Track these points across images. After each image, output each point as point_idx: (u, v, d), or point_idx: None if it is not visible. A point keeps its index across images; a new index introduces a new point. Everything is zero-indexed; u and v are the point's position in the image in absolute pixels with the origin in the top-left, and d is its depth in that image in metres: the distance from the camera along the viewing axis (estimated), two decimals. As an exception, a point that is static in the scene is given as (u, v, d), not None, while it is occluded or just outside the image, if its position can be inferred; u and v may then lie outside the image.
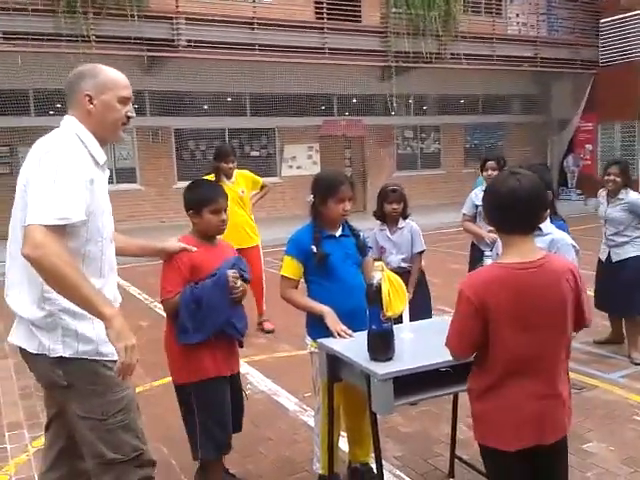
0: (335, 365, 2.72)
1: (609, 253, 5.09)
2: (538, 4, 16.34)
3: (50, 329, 2.04)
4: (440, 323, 3.17)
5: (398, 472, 3.41)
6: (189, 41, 11.65)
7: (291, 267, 3.05)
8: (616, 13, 15.82)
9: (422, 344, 2.73)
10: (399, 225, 4.36)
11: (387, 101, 14.70)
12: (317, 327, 2.97)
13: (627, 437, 3.73)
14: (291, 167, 15.25)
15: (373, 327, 2.49)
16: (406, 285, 4.26)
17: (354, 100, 15.71)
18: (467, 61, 14.43)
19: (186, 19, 11.60)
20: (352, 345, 2.65)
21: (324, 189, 3.02)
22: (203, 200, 2.88)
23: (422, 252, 4.41)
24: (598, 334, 5.40)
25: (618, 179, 4.92)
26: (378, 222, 4.44)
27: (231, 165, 5.84)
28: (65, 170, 1.99)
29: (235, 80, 12.94)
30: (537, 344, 2.05)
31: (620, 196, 4.96)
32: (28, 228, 1.90)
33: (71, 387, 2.06)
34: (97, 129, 2.20)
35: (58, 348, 2.03)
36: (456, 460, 3.38)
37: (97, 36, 10.88)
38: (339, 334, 2.80)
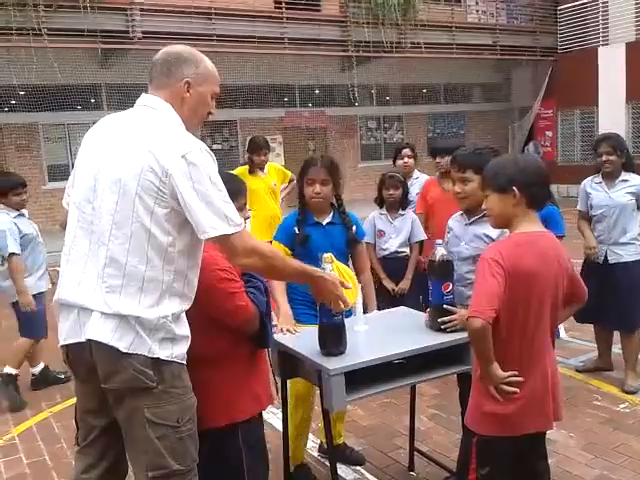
0: (287, 361, 2.63)
1: (606, 253, 4.20)
2: (497, -9, 16.44)
3: (156, 330, 1.93)
4: (395, 314, 3.13)
5: (358, 467, 3.36)
6: (144, 32, 11.39)
7: None
8: (573, 0, 15.97)
9: (376, 337, 2.67)
10: (400, 212, 4.45)
11: (349, 92, 14.63)
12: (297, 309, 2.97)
13: (587, 423, 3.74)
14: (254, 159, 15.07)
15: (324, 320, 2.41)
16: (405, 270, 4.42)
17: (316, 91, 15.61)
18: (427, 50, 14.44)
19: (141, 10, 11.34)
20: (304, 340, 2.57)
21: (300, 170, 3.08)
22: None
23: (422, 242, 4.43)
24: (571, 351, 4.81)
25: (612, 157, 4.08)
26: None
27: (263, 158, 5.86)
28: (215, 170, 1.97)
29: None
30: (545, 315, 2.17)
31: (623, 177, 4.14)
32: (224, 239, 1.94)
33: (154, 390, 1.93)
34: (186, 119, 2.10)
35: (156, 348, 1.93)
36: (416, 453, 3.33)
37: (49, 29, 10.55)
38: (282, 330, 2.75)
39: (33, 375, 4.85)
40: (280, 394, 2.82)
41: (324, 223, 3.07)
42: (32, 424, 4.16)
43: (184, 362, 2.03)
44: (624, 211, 4.12)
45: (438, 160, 4.50)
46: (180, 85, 2.10)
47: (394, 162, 5.28)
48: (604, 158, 4.10)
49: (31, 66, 10.43)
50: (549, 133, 17.07)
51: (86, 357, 1.97)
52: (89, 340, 1.93)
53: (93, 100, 13.10)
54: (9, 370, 4.53)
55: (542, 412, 2.21)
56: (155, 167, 1.91)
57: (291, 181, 6.21)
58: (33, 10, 10.34)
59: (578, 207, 4.38)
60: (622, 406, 3.95)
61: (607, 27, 15.38)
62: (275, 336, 2.69)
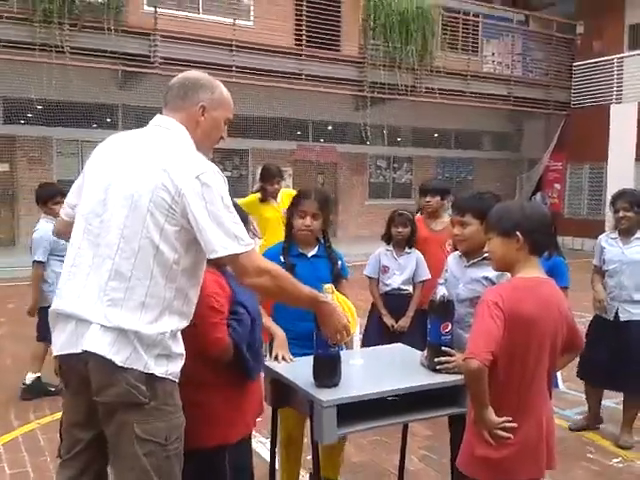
0: (279, 390, 2.62)
1: (617, 310, 4.10)
2: (514, 45, 16.68)
3: (154, 345, 1.94)
4: (392, 350, 3.11)
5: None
6: (165, 58, 11.58)
7: None
8: (589, 57, 16.22)
9: (371, 371, 2.66)
10: (406, 250, 4.46)
11: (361, 130, 14.79)
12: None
13: (579, 475, 3.69)
14: (263, 189, 15.15)
15: (319, 351, 2.41)
16: (406, 307, 4.42)
17: (329, 127, 15.78)
18: (441, 96, 14.62)
19: (163, 36, 11.55)
20: (297, 370, 2.56)
21: (293, 200, 3.06)
22: None
23: (424, 281, 4.42)
24: (568, 403, 4.76)
25: (630, 213, 4.03)
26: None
27: (277, 186, 5.77)
28: (226, 192, 2.01)
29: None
30: (544, 361, 2.18)
31: (638, 235, 4.10)
32: (234, 259, 1.97)
33: (145, 405, 1.92)
34: (199, 142, 2.15)
35: (152, 364, 1.93)
36: (404, 493, 3.28)
37: (72, 47, 10.74)
38: (277, 358, 2.73)
39: (24, 384, 4.83)
40: (270, 424, 2.80)
41: (309, 255, 3.06)
42: (18, 434, 4.13)
43: (177, 380, 2.02)
44: (637, 268, 4.05)
45: (428, 199, 4.62)
46: (195, 109, 2.15)
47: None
48: (621, 214, 4.06)
49: (50, 82, 10.58)
50: (557, 186, 17.16)
51: (80, 369, 1.96)
52: (85, 352, 1.92)
53: (109, 120, 13.26)
54: (30, 376, 4.83)
55: (535, 460, 2.19)
56: (169, 185, 1.94)
57: None
58: (58, 28, 10.55)
59: (594, 262, 4.34)
60: (615, 460, 3.90)
61: (621, 85, 15.58)
62: (268, 363, 2.68)
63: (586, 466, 3.81)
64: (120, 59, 11.30)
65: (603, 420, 4.37)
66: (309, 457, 2.83)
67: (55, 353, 2.05)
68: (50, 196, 4.81)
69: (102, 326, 1.91)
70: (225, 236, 1.95)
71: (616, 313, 4.10)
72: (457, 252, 3.03)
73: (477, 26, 15.65)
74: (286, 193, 5.94)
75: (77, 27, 10.80)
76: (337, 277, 3.06)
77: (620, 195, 4.16)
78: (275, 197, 5.85)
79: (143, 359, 1.92)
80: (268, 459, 3.02)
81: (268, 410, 2.79)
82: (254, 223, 5.04)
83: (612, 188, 4.35)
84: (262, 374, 2.61)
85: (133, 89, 12.57)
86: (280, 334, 2.87)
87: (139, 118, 12.84)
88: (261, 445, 3.90)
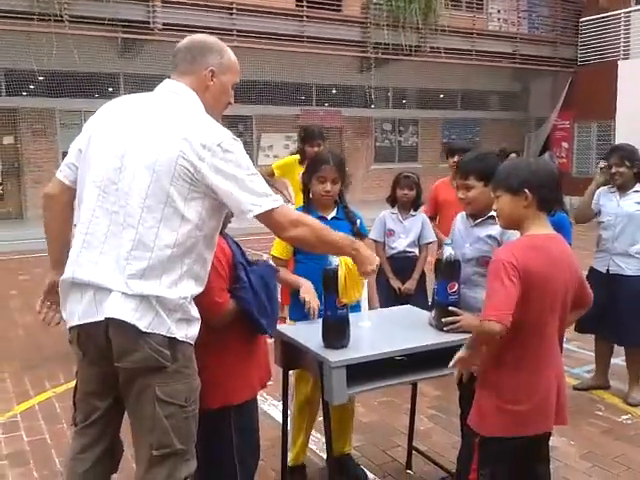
0: (290, 352, 2.64)
1: (609, 263, 4.11)
2: (519, 1, 16.36)
3: (175, 310, 1.97)
4: (399, 312, 3.13)
5: (356, 462, 3.36)
6: (165, 24, 11.44)
7: (280, 247, 3.02)
8: (595, 13, 15.90)
9: (379, 333, 2.67)
10: (411, 212, 4.45)
11: (366, 93, 14.63)
12: (297, 307, 2.91)
13: (588, 432, 3.72)
14: (268, 156, 15.10)
15: (328, 313, 2.43)
16: (412, 271, 4.42)
17: (333, 91, 15.62)
18: (446, 55, 14.41)
19: (162, 1, 11.39)
20: (307, 332, 2.58)
21: (309, 166, 3.03)
22: None
23: (430, 243, 4.44)
24: (577, 361, 4.75)
25: (622, 169, 4.00)
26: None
27: (316, 149, 5.03)
28: (244, 155, 2.04)
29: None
30: (556, 315, 2.18)
31: (636, 188, 4.05)
32: (269, 215, 2.00)
33: (167, 369, 1.96)
34: (208, 107, 2.14)
35: (174, 328, 1.96)
36: (414, 452, 3.33)
37: (70, 16, 10.62)
38: (310, 307, 2.73)
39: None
40: (281, 385, 2.84)
41: (329, 218, 3.05)
42: (35, 403, 4.20)
43: (192, 341, 2.05)
44: (631, 221, 4.03)
45: (456, 159, 4.42)
46: (205, 73, 2.14)
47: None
48: (613, 170, 4.04)
49: (51, 52, 10.49)
50: (565, 144, 17.00)
51: (99, 337, 1.97)
52: (107, 319, 1.93)
53: (111, 89, 13.15)
54: None
55: (545, 415, 2.21)
56: (190, 154, 1.94)
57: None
58: (56, -4, 10.42)
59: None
60: (624, 417, 3.93)
61: (628, 41, 15.31)
62: (278, 327, 2.70)
63: (595, 423, 3.85)
64: (119, 26, 11.18)
65: (610, 384, 4.35)
66: (320, 418, 2.88)
67: (73, 323, 2.03)
68: None
69: (123, 293, 1.91)
70: (254, 196, 1.98)
71: (607, 266, 4.11)
72: (464, 212, 3.01)
73: (481, -18, 15.35)
74: None
75: (75, -5, 10.66)
76: (358, 237, 3.04)
77: (612, 151, 4.14)
78: None
79: (166, 323, 1.95)
80: (281, 421, 3.07)
81: (280, 373, 2.82)
82: (288, 187, 5.02)
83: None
84: (269, 339, 2.63)
85: (133, 57, 12.46)
86: (305, 282, 2.87)
87: (140, 86, 12.71)
88: (273, 407, 3.96)
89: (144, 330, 1.91)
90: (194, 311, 2.04)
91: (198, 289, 2.06)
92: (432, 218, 4.75)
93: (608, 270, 4.11)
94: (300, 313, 2.87)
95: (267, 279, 2.39)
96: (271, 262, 2.67)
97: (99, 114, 2.16)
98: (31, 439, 3.69)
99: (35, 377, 4.64)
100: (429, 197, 4.75)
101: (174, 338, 1.97)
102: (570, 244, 3.74)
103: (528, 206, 2.19)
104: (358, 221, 3.13)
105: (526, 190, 2.18)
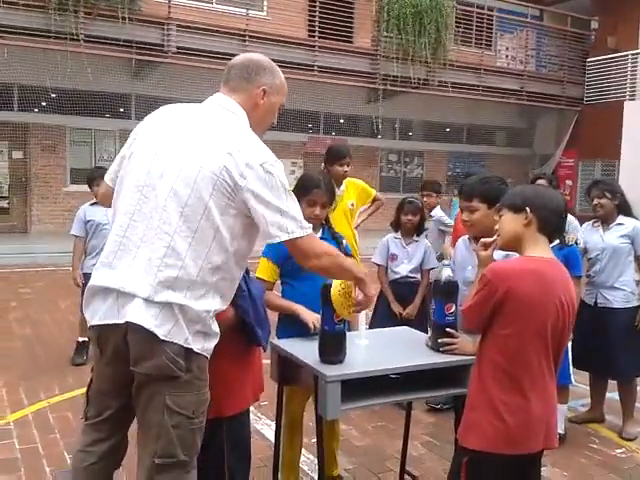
0: (285, 367, 2.66)
1: (596, 296, 4.13)
2: (528, 39, 16.59)
3: (196, 321, 1.98)
4: (397, 332, 3.15)
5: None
6: (179, 48, 11.63)
7: (266, 269, 3.00)
8: (603, 53, 16.11)
9: (376, 351, 2.68)
10: (414, 238, 4.47)
11: (373, 123, 14.78)
12: (286, 328, 2.92)
13: (582, 464, 3.70)
14: (273, 181, 15.18)
15: (325, 328, 2.44)
16: (414, 296, 4.42)
17: (341, 120, 15.77)
18: (454, 89, 14.58)
19: (177, 26, 11.59)
20: (303, 347, 2.59)
21: (299, 188, 3.00)
22: None
23: (433, 269, 4.44)
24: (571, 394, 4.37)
25: (603, 200, 4.06)
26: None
27: (346, 169, 4.78)
28: (285, 179, 2.07)
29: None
30: (544, 343, 2.17)
31: (619, 221, 4.10)
32: (295, 243, 2.05)
33: (180, 379, 1.97)
34: (254, 124, 2.19)
35: (191, 339, 1.98)
36: (406, 476, 3.31)
37: (86, 35, 10.81)
38: (315, 325, 2.72)
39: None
40: (276, 401, 2.84)
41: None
42: (28, 412, 4.19)
43: (208, 355, 2.07)
44: (616, 254, 4.06)
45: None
46: (257, 92, 2.20)
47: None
48: (595, 202, 4.10)
49: (65, 70, 10.66)
50: (569, 182, 17.07)
51: (117, 339, 2.00)
52: (127, 322, 1.94)
53: (122, 109, 13.32)
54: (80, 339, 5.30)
55: (536, 434, 2.20)
56: (233, 170, 1.98)
57: (375, 201, 5.34)
58: (73, 15, 10.61)
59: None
60: (619, 451, 3.91)
61: (635, 82, 15.46)
62: (274, 341, 2.71)
63: (589, 455, 3.83)
64: (134, 48, 11.36)
65: (605, 418, 4.33)
66: (309, 440, 2.86)
67: (93, 322, 2.06)
68: (92, 178, 5.18)
69: (145, 300, 1.93)
70: (285, 220, 2.02)
71: (595, 299, 4.13)
72: (466, 236, 3.05)
73: (491, 20, 15.58)
74: (352, 182, 5.07)
75: (92, 15, 10.86)
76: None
77: (593, 184, 4.23)
78: (339, 183, 4.79)
79: (185, 333, 1.96)
80: (273, 440, 3.06)
81: (274, 393, 2.83)
82: None
83: (624, 185, 4.29)
84: (263, 352, 2.65)
85: (146, 78, 12.63)
86: (298, 307, 2.87)
87: (151, 107, 12.79)
88: (266, 427, 3.95)
89: (162, 338, 1.93)
90: (214, 326, 2.06)
91: (222, 306, 2.08)
92: None
93: (596, 303, 4.12)
94: (288, 333, 2.87)
95: (261, 292, 2.42)
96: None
97: (146, 121, 2.21)
98: (23, 447, 3.68)
99: (30, 387, 4.63)
100: (454, 227, 4.87)
101: (190, 349, 1.98)
102: (580, 276, 3.80)
103: (528, 225, 2.20)
104: (344, 241, 3.16)
105: (527, 208, 2.20)
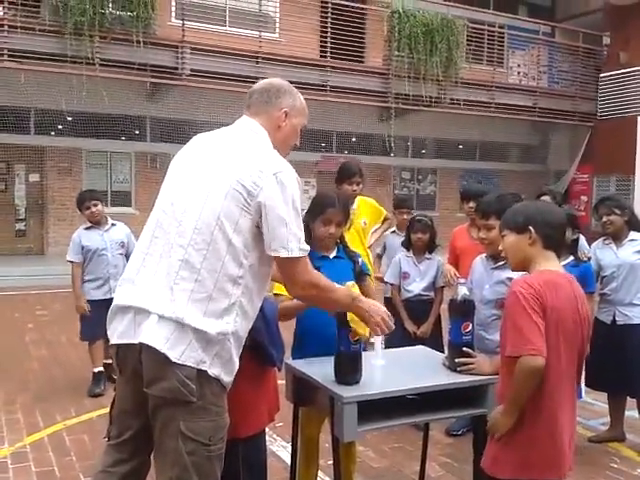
0: (301, 388, 2.64)
1: (614, 314, 4.05)
2: (540, 56, 16.61)
3: (212, 344, 1.95)
4: (414, 352, 3.12)
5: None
6: (193, 70, 11.77)
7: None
8: (615, 68, 16.07)
9: (392, 371, 2.66)
10: (426, 256, 4.44)
11: (385, 141, 14.81)
12: (301, 349, 2.90)
13: (603, 485, 3.64)
14: (287, 201, 15.23)
15: (341, 348, 2.43)
16: (427, 314, 4.39)
17: (353, 139, 15.83)
18: (466, 107, 14.60)
19: (191, 49, 11.74)
20: (319, 367, 2.57)
21: (313, 206, 3.00)
22: None
23: (446, 286, 4.41)
24: (592, 413, 4.55)
25: (612, 217, 4.02)
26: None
27: (356, 188, 4.55)
28: (297, 196, 2.05)
29: (236, 111, 12.80)
30: (573, 355, 2.14)
31: (631, 237, 4.05)
32: (289, 263, 2.02)
33: (192, 404, 1.94)
34: (277, 146, 2.22)
35: (208, 363, 1.95)
36: (424, 497, 3.27)
37: (102, 59, 10.98)
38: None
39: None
40: (291, 422, 2.82)
41: (331, 257, 3.02)
42: (44, 435, 4.19)
43: (226, 386, 2.04)
44: (633, 271, 4.01)
45: (471, 205, 4.24)
46: (279, 114, 2.24)
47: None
48: (604, 219, 4.06)
49: (81, 93, 10.81)
50: (584, 198, 16.97)
51: (134, 358, 1.99)
52: (141, 343, 1.94)
53: (137, 132, 13.47)
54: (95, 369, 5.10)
55: (561, 460, 2.14)
56: (246, 180, 1.99)
57: (386, 220, 5.18)
58: (89, 40, 10.79)
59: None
60: (640, 471, 3.84)
61: (648, 96, 15.40)
62: (289, 361, 2.70)
63: (610, 475, 3.76)
64: (148, 71, 11.51)
65: (625, 437, 4.24)
66: (325, 461, 2.84)
67: (113, 341, 2.08)
68: (81, 201, 5.16)
69: (161, 317, 1.93)
70: (288, 236, 2.00)
71: (613, 317, 4.04)
72: (484, 255, 3.03)
73: (502, 37, 15.61)
74: (365, 201, 4.88)
75: (107, 39, 11.05)
76: (360, 275, 3.04)
77: (600, 202, 4.20)
78: (352, 202, 4.54)
79: (198, 355, 1.93)
80: (289, 462, 3.03)
81: (289, 414, 2.81)
82: None
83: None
84: (278, 372, 2.63)
85: (161, 101, 12.78)
86: None
87: (167, 130, 13.03)
88: (282, 449, 3.92)
89: (174, 360, 1.91)
90: (235, 353, 2.03)
91: (245, 325, 2.05)
92: (456, 266, 4.48)
93: (614, 321, 4.04)
94: (302, 353, 2.84)
95: (275, 312, 2.42)
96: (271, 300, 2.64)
97: (183, 148, 2.27)
98: (39, 470, 3.68)
99: (46, 409, 4.64)
100: (449, 245, 4.71)
101: (204, 372, 1.95)
102: (593, 292, 3.76)
103: (533, 244, 2.18)
104: (360, 259, 3.12)
105: (530, 228, 2.18)
